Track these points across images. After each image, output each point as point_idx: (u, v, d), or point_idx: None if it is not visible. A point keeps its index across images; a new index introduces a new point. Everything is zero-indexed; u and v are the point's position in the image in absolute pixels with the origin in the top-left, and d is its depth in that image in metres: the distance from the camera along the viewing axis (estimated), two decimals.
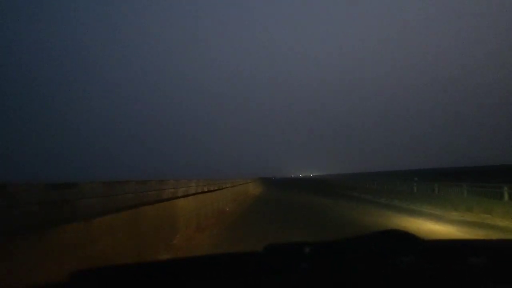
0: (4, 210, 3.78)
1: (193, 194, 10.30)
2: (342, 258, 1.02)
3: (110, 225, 4.30)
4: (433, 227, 9.15)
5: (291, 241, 1.09)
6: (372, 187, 24.41)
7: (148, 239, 5.47)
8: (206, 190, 13.55)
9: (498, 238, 3.10)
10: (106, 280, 0.97)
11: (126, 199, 6.28)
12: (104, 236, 4.07)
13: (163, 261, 1.07)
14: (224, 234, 8.18)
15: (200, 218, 9.29)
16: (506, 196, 11.49)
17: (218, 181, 18.71)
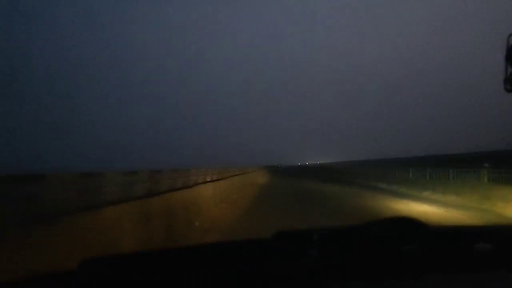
0: (43, 197, 4.19)
1: (217, 180, 13.04)
2: (350, 245, 1.03)
3: (177, 198, 6.40)
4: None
5: (299, 228, 1.11)
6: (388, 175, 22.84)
7: (201, 206, 7.90)
8: (220, 177, 15.14)
9: (504, 224, 3.21)
10: (114, 268, 0.98)
11: (169, 183, 8.57)
12: (169, 207, 5.74)
13: (173, 248, 1.09)
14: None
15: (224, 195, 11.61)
16: None
17: (227, 170, 19.90)
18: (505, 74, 3.85)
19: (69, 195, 4.64)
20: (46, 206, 4.03)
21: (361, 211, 9.38)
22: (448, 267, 0.99)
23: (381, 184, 20.20)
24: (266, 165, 59.08)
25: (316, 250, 1.01)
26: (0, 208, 3.44)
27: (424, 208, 10.24)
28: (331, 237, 1.09)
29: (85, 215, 3.69)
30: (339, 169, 44.43)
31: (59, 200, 4.48)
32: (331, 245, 1.04)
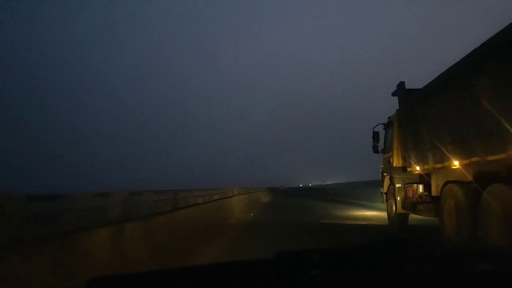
0: (68, 212, 4.93)
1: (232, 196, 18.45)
2: (351, 265, 1.04)
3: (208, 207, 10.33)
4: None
5: (300, 249, 1.14)
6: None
7: (223, 215, 11.29)
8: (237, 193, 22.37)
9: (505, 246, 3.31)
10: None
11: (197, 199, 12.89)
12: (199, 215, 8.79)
13: (175, 268, 1.09)
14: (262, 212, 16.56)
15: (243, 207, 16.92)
16: None
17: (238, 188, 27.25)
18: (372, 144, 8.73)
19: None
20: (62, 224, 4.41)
21: (325, 214, 15.86)
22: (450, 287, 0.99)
23: (352, 200, 25.78)
24: (269, 186, 66.80)
25: (316, 270, 1.01)
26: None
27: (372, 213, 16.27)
28: (332, 257, 1.12)
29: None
30: (331, 189, 49.25)
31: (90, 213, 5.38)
32: (332, 265, 1.05)
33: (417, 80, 11.80)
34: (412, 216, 9.05)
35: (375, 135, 10.63)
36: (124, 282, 1.03)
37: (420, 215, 8.03)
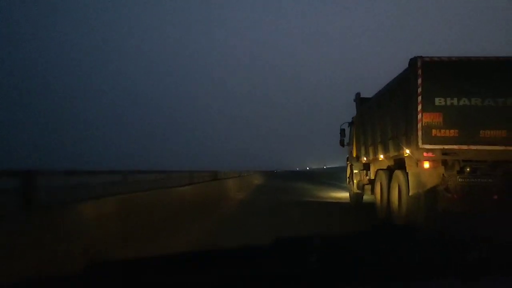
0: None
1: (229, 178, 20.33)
2: (349, 251, 1.14)
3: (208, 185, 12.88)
4: None
5: (298, 235, 1.55)
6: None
7: (220, 194, 13.47)
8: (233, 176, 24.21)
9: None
10: (122, 272, 1.08)
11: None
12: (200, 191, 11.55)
13: (172, 254, 1.19)
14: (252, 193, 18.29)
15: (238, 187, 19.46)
16: None
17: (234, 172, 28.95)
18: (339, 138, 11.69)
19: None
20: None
21: (311, 194, 18.58)
22: (441, 273, 1.04)
23: (340, 183, 28.20)
24: (265, 170, 69.52)
25: (315, 256, 1.06)
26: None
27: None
28: (330, 243, 1.22)
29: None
30: (325, 172, 52.08)
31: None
32: (330, 251, 1.13)
33: None
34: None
35: (342, 131, 13.42)
36: (125, 267, 1.03)
37: (365, 193, 10.89)
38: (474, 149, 6.58)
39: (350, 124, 13.16)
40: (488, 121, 6.55)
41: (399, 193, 7.57)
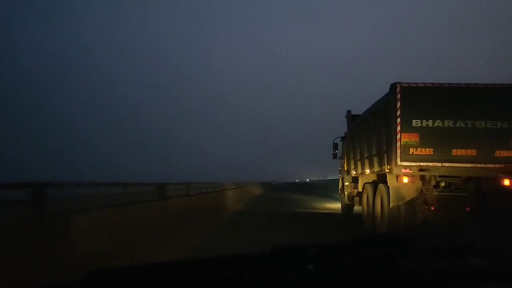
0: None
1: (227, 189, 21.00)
2: (347, 260, 1.06)
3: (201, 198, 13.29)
4: None
5: (296, 244, 1.17)
6: None
7: (219, 205, 14.29)
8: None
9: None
10: (123, 280, 1.05)
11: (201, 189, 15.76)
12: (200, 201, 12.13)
13: (172, 261, 1.12)
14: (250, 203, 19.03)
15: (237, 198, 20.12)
16: None
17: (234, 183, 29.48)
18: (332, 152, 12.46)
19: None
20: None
21: (302, 205, 19.48)
22: (440, 282, 1.02)
23: (335, 194, 29.18)
24: (264, 181, 70.01)
25: (313, 264, 1.03)
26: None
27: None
28: (328, 252, 1.14)
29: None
30: (325, 184, 52.86)
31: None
32: (328, 260, 1.07)
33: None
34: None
35: (335, 146, 14.19)
36: (126, 274, 1.06)
37: (354, 205, 11.61)
38: (447, 166, 7.33)
39: (343, 138, 13.94)
40: (459, 141, 7.31)
41: (381, 205, 8.30)
